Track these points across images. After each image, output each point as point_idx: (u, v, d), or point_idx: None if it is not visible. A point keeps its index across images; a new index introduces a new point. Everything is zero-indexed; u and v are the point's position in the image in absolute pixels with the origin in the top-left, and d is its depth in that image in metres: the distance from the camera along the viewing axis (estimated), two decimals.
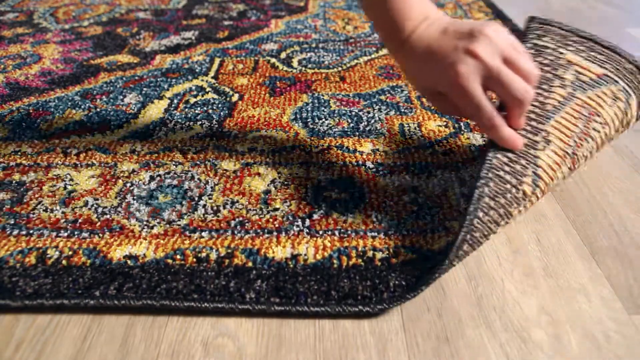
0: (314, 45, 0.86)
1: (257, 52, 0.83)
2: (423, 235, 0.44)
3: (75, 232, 0.44)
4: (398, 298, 0.37)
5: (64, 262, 0.41)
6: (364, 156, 0.55)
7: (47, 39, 0.89)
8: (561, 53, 0.43)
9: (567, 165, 0.40)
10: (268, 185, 0.50)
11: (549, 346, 0.35)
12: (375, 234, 0.44)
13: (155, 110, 0.64)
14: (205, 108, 0.65)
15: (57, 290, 0.38)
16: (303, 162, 0.54)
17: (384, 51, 0.82)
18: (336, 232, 0.44)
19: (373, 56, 0.81)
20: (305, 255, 0.42)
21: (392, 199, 0.48)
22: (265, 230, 0.44)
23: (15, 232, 0.44)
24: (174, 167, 0.53)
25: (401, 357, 0.34)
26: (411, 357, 0.35)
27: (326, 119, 0.62)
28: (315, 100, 0.67)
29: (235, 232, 0.44)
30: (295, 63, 0.79)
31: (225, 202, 0.48)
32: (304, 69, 0.77)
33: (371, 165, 0.53)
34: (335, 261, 0.41)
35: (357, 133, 0.59)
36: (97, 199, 0.48)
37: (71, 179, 0.51)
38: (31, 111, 0.65)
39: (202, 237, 0.44)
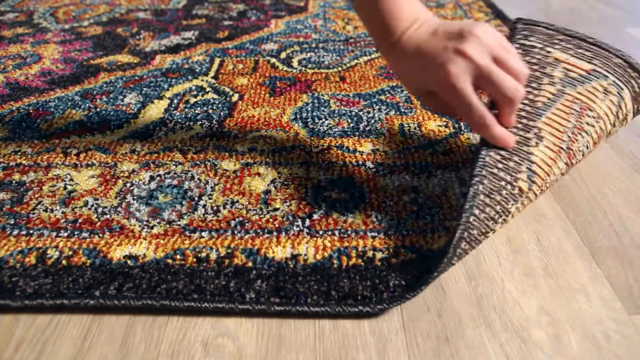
0: (314, 45, 0.86)
1: (257, 52, 0.83)
2: (423, 235, 0.44)
3: (75, 232, 0.44)
4: (398, 298, 0.37)
5: (64, 262, 0.41)
6: (364, 156, 0.55)
7: (47, 39, 0.89)
8: (548, 52, 0.44)
9: (564, 161, 0.41)
10: (268, 185, 0.50)
11: (549, 346, 0.35)
12: (375, 234, 0.44)
13: (155, 110, 0.64)
14: (205, 108, 0.65)
15: (57, 290, 0.38)
16: (303, 162, 0.54)
17: None
18: (336, 232, 0.44)
19: (373, 56, 0.81)
20: (305, 255, 0.42)
21: (392, 199, 0.48)
22: (265, 230, 0.44)
23: (15, 232, 0.44)
24: (174, 167, 0.53)
25: (401, 357, 0.34)
26: (411, 357, 0.35)
27: (326, 119, 0.62)
28: (315, 100, 0.67)
29: (235, 232, 0.44)
30: (295, 63, 0.79)
31: (225, 202, 0.48)
32: (304, 69, 0.77)
33: (371, 165, 0.53)
34: (335, 261, 0.41)
35: (357, 133, 0.59)
36: (97, 199, 0.48)
37: (71, 179, 0.51)
38: (31, 111, 0.65)
39: (202, 237, 0.44)
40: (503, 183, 0.39)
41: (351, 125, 0.61)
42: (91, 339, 0.36)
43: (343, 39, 0.89)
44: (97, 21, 0.99)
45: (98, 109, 0.65)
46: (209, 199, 0.48)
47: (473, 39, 0.38)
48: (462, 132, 0.59)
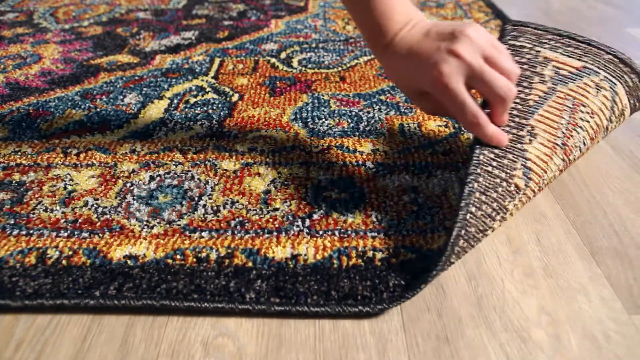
0: (314, 45, 0.86)
1: (257, 52, 0.83)
2: (423, 235, 0.44)
3: (75, 232, 0.44)
4: (398, 298, 0.37)
5: (64, 262, 0.41)
6: (364, 156, 0.55)
7: (47, 39, 0.89)
8: (538, 51, 0.44)
9: (560, 157, 0.41)
10: (268, 185, 0.50)
11: (549, 346, 0.35)
12: (375, 234, 0.44)
13: (155, 110, 0.64)
14: (205, 108, 0.65)
15: (57, 290, 0.38)
16: (303, 162, 0.54)
17: None
18: (336, 232, 0.44)
19: (373, 56, 0.81)
20: (305, 255, 0.42)
21: (392, 199, 0.48)
22: (265, 230, 0.44)
23: (15, 232, 0.44)
24: (174, 167, 0.53)
25: (401, 357, 0.34)
26: (411, 357, 0.35)
27: (326, 119, 0.62)
28: (315, 100, 0.67)
29: (235, 232, 0.44)
30: (295, 63, 0.79)
31: (225, 202, 0.48)
32: (304, 69, 0.77)
33: (371, 165, 0.53)
34: (335, 261, 0.41)
35: (357, 133, 0.59)
36: (97, 199, 0.48)
37: (71, 179, 0.51)
38: (31, 111, 0.65)
39: (202, 237, 0.44)
40: (498, 180, 0.39)
41: (351, 125, 0.61)
42: (91, 339, 0.36)
43: (343, 39, 0.89)
44: (97, 21, 0.99)
45: (98, 109, 0.65)
46: (209, 199, 0.48)
47: (465, 39, 0.38)
48: (462, 132, 0.59)
